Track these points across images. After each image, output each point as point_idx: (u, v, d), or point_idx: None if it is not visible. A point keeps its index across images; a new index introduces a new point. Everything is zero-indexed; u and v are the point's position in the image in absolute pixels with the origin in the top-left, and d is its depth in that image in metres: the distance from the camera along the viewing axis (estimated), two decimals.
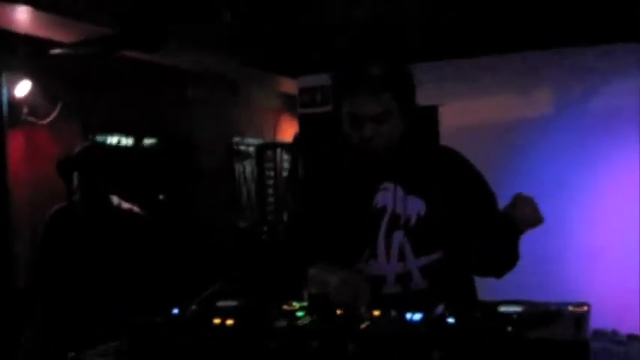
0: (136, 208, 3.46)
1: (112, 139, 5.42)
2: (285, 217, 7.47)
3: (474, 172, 2.00)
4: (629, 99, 4.38)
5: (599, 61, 4.52)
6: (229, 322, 1.56)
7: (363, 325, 1.48)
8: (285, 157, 7.60)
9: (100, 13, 3.78)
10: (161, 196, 6.03)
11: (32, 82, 4.09)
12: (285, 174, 7.52)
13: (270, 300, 1.88)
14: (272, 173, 7.71)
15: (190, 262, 5.10)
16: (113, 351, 1.68)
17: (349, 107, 1.92)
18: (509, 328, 1.36)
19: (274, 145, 7.59)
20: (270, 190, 7.65)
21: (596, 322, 1.55)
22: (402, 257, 1.91)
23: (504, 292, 1.83)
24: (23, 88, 4.07)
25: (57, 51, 4.12)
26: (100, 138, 5.21)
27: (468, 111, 4.73)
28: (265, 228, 7.27)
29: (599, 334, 1.59)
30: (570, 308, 1.53)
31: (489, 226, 1.89)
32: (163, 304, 1.77)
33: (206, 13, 3.46)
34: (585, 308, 1.53)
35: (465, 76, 4.87)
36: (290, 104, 7.34)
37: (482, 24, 4.25)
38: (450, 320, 1.46)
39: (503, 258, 1.91)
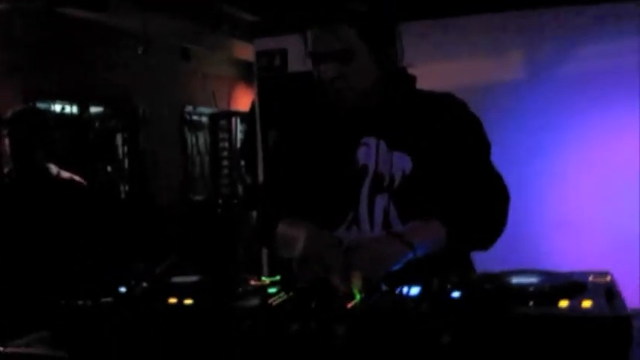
0: (77, 178, 3.14)
1: (56, 107, 5.07)
2: (240, 190, 7.18)
3: (468, 119, 1.72)
4: (606, 61, 4.22)
5: (574, 21, 4.34)
6: (188, 301, 1.29)
7: (350, 304, 1.23)
8: (241, 127, 7.27)
9: None
10: (109, 168, 5.70)
11: None
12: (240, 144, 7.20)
13: (234, 275, 1.61)
14: (227, 144, 7.38)
15: (140, 237, 4.79)
16: (41, 341, 1.39)
17: (310, 46, 1.67)
18: (531, 303, 1.13)
19: (229, 115, 7.25)
20: (225, 162, 7.33)
21: None
22: (386, 224, 1.65)
23: (487, 265, 1.59)
24: None
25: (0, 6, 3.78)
26: (42, 105, 4.86)
27: (434, 74, 4.51)
28: (220, 201, 6.97)
29: None
30: (591, 278, 1.30)
31: (475, 182, 1.65)
32: (109, 284, 1.48)
33: None
34: (609, 278, 1.30)
35: (430, 37, 4.63)
36: (245, 72, 7.01)
37: None
38: (455, 294, 1.22)
39: (487, 221, 1.64)
